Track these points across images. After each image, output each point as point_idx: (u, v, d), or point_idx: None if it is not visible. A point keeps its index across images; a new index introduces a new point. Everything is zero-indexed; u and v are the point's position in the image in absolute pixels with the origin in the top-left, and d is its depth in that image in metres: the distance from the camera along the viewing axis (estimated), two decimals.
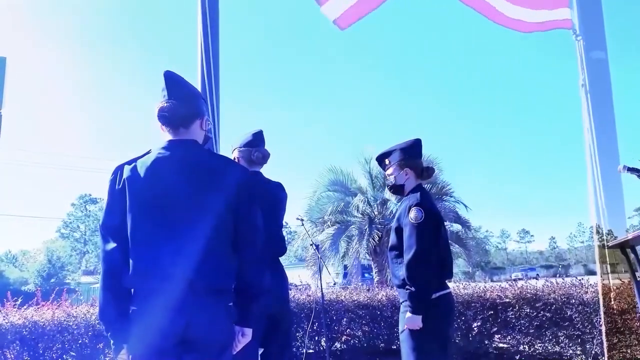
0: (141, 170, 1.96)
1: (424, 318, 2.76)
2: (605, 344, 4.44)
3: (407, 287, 2.79)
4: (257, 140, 3.15)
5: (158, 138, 2.08)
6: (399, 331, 2.94)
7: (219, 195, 1.94)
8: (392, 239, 3.03)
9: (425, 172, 3.17)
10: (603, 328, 3.43)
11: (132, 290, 1.93)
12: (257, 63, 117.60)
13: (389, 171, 3.18)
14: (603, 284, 4.60)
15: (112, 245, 1.92)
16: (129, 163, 2.02)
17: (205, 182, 1.95)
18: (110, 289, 1.91)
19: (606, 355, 4.58)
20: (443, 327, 2.90)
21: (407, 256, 2.80)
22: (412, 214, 2.85)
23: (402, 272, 2.87)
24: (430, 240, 2.82)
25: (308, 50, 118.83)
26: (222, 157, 2.25)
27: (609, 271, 3.80)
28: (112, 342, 1.91)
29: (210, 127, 2.24)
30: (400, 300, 2.96)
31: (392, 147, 3.21)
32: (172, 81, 2.09)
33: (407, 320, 2.78)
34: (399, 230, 2.96)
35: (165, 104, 2.03)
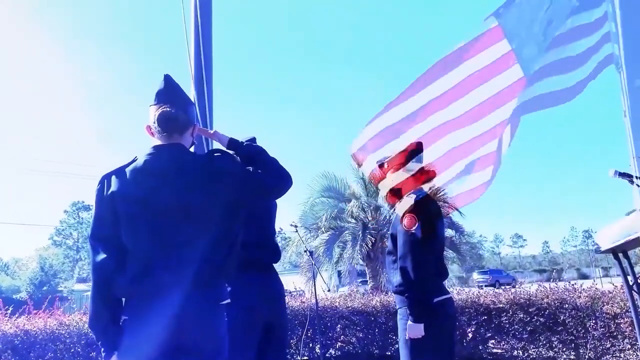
0: (129, 178, 1.94)
1: (426, 326, 2.67)
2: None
3: (406, 295, 2.74)
4: None
5: (149, 144, 2.07)
6: (399, 338, 2.87)
7: (210, 196, 1.92)
8: (389, 244, 3.04)
9: None
10: None
11: (124, 299, 1.91)
12: (249, 67, 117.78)
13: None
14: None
15: (102, 255, 1.90)
16: (115, 172, 1.99)
17: (196, 185, 1.93)
18: (101, 299, 1.89)
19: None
20: (445, 334, 2.78)
21: (402, 264, 2.77)
22: (405, 221, 2.84)
23: (396, 278, 2.84)
24: (424, 247, 2.76)
25: (302, 54, 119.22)
26: (206, 154, 2.20)
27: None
28: (102, 350, 1.89)
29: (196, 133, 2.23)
30: (397, 307, 2.91)
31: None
32: (171, 87, 2.08)
33: (409, 329, 2.70)
34: (393, 237, 2.95)
35: (168, 110, 2.00)
